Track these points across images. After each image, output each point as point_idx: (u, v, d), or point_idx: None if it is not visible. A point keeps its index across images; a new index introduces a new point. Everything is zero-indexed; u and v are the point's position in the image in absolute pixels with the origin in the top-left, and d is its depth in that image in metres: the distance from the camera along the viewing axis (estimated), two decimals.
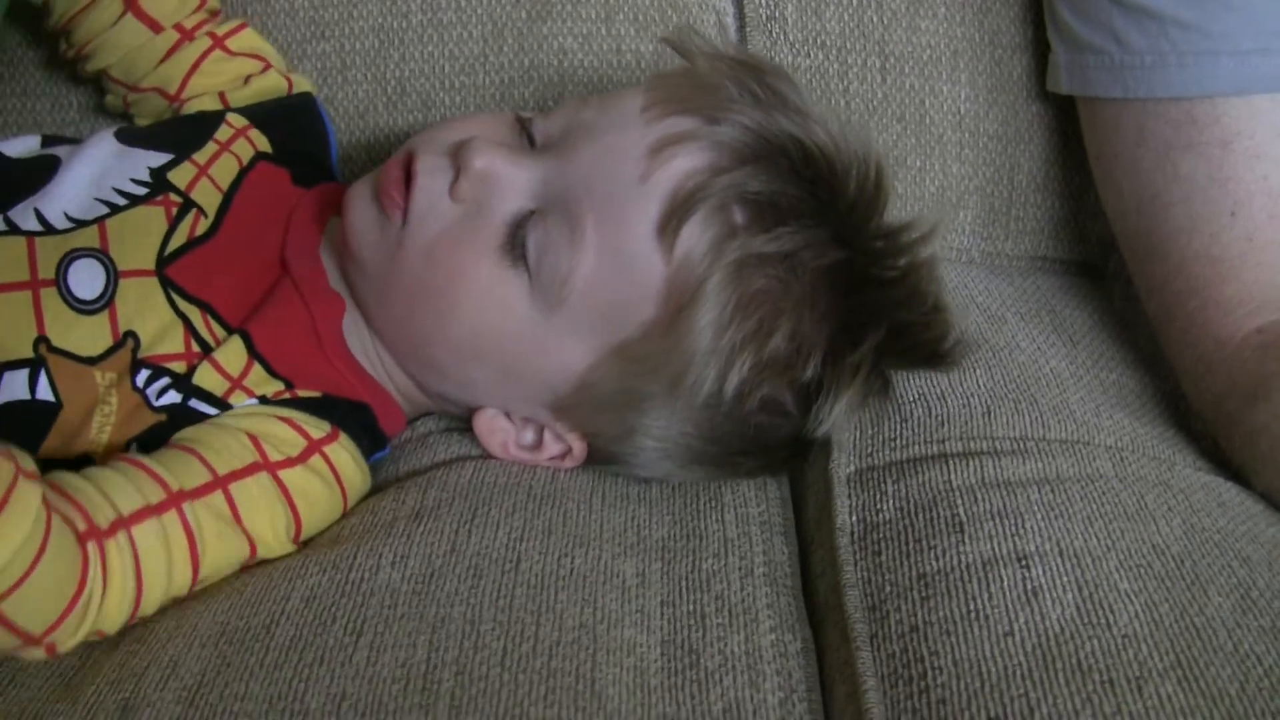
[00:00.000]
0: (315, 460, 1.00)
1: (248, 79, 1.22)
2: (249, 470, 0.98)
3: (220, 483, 0.96)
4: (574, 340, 1.00)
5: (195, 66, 1.20)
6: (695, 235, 0.96)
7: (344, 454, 1.02)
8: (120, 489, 0.93)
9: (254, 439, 0.99)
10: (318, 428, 1.02)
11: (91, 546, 0.89)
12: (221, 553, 0.96)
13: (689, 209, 0.96)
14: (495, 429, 1.06)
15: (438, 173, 1.02)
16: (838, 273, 0.99)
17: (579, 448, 1.05)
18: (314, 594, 0.91)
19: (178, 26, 1.19)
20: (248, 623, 0.90)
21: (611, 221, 0.98)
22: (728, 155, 0.97)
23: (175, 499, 0.94)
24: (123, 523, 0.91)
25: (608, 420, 1.03)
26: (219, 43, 1.21)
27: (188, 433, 1.00)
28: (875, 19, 1.34)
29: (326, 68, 1.31)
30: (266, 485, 0.98)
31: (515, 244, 0.99)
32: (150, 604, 0.92)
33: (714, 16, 1.33)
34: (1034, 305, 1.27)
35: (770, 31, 1.34)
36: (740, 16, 1.35)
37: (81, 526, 0.89)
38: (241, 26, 1.24)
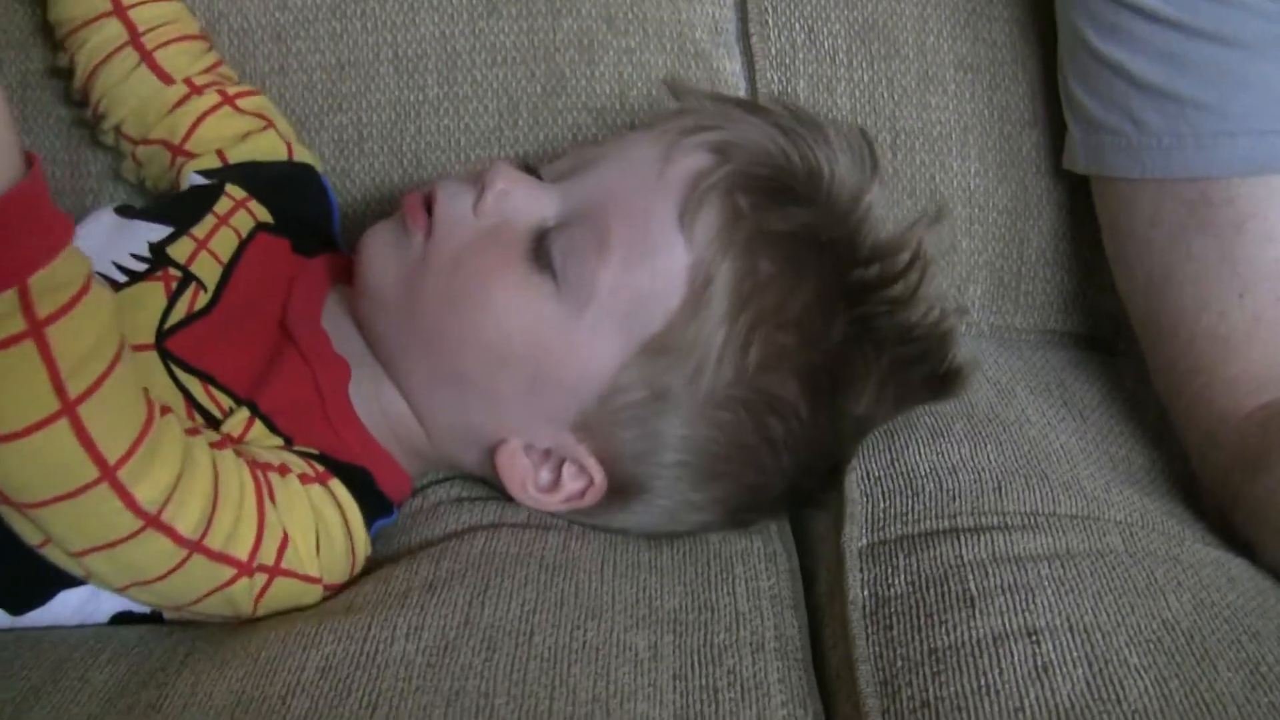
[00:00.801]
0: (326, 489, 1.01)
1: (246, 135, 1.24)
2: (280, 470, 0.98)
3: (258, 465, 0.97)
4: (603, 340, 1.01)
5: (202, 118, 1.23)
6: (710, 220, 1.00)
7: (345, 493, 1.02)
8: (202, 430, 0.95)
9: (277, 455, 1.00)
10: (319, 466, 1.02)
11: (166, 419, 0.89)
12: (270, 528, 0.95)
13: (703, 196, 1.00)
14: (515, 466, 1.06)
15: (460, 194, 1.05)
16: (845, 256, 1.04)
17: (599, 478, 1.05)
18: (329, 664, 0.91)
19: (188, 80, 1.23)
20: (263, 692, 0.89)
21: (636, 217, 1.01)
22: (734, 151, 1.02)
23: (239, 453, 0.96)
24: (201, 436, 0.93)
25: (632, 435, 1.04)
26: (228, 100, 1.24)
27: None
28: (886, 95, 1.35)
29: (343, 140, 1.33)
30: (297, 490, 0.98)
31: (540, 252, 1.01)
32: (220, 527, 0.92)
33: (725, 92, 1.34)
34: (1044, 379, 1.28)
35: None
36: (752, 92, 1.36)
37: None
38: (254, 92, 1.27)
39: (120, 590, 0.94)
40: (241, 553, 0.94)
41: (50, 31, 1.29)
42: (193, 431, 0.93)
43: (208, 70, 1.25)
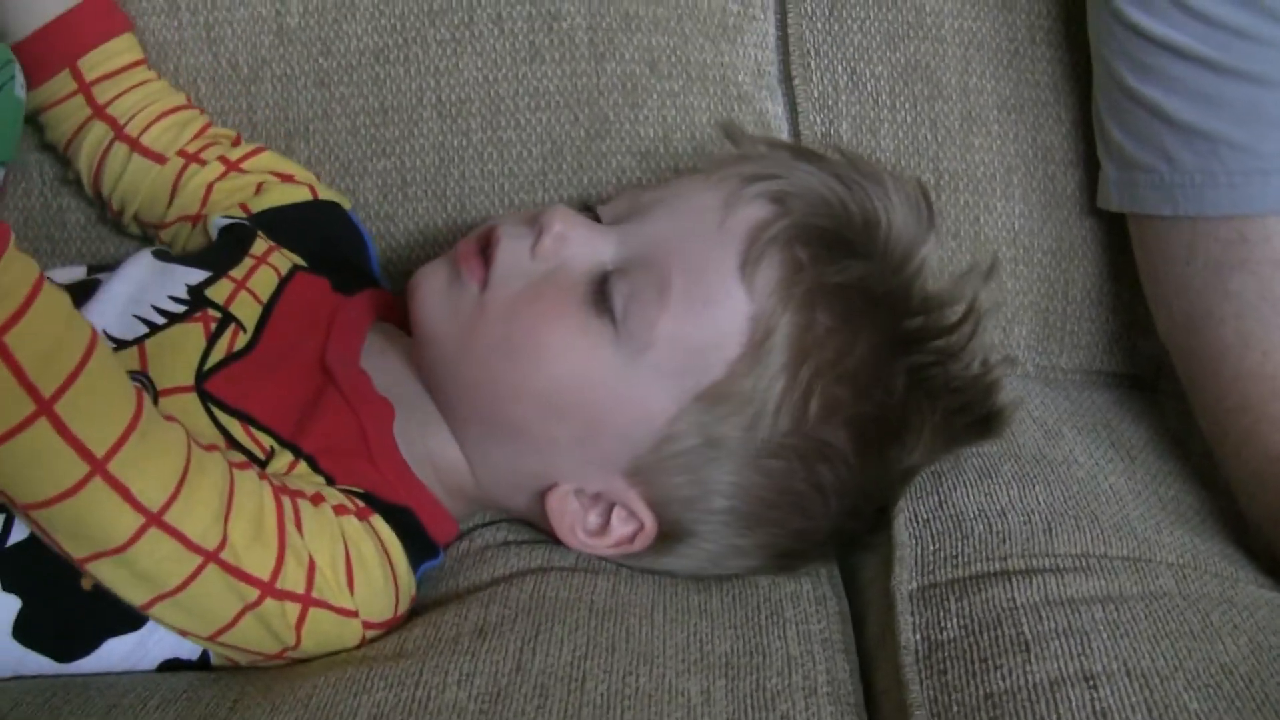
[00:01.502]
0: (366, 524, 1.01)
1: (260, 186, 1.24)
2: (313, 499, 0.98)
3: (288, 492, 0.97)
4: (659, 388, 1.01)
5: (209, 189, 1.23)
6: (770, 273, 1.00)
7: (387, 529, 1.02)
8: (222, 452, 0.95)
9: (314, 485, 1.00)
10: (361, 503, 1.02)
11: (182, 428, 0.91)
12: (293, 552, 0.95)
13: (764, 248, 1.00)
14: (565, 510, 1.06)
15: (519, 238, 1.05)
16: (900, 312, 1.04)
17: (650, 523, 1.05)
18: (381, 711, 0.91)
19: (180, 153, 1.24)
20: None
21: (696, 267, 1.01)
22: (792, 201, 1.02)
23: (263, 476, 0.97)
24: (220, 453, 0.94)
25: (682, 481, 1.04)
26: (232, 166, 1.25)
27: None
28: (929, 136, 1.35)
29: (387, 184, 1.33)
30: (329, 518, 0.98)
31: (600, 296, 1.01)
32: (236, 540, 0.91)
33: (770, 134, 1.34)
34: (1090, 420, 1.27)
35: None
36: (795, 134, 1.36)
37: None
38: (259, 150, 1.27)
39: (145, 607, 0.93)
40: (262, 573, 0.93)
41: None
42: (210, 447, 0.94)
43: (198, 136, 1.26)
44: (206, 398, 1.03)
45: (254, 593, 0.93)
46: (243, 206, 1.22)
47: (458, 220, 1.33)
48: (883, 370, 1.03)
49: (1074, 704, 0.89)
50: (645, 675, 0.95)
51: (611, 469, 1.05)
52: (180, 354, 1.05)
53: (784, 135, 1.36)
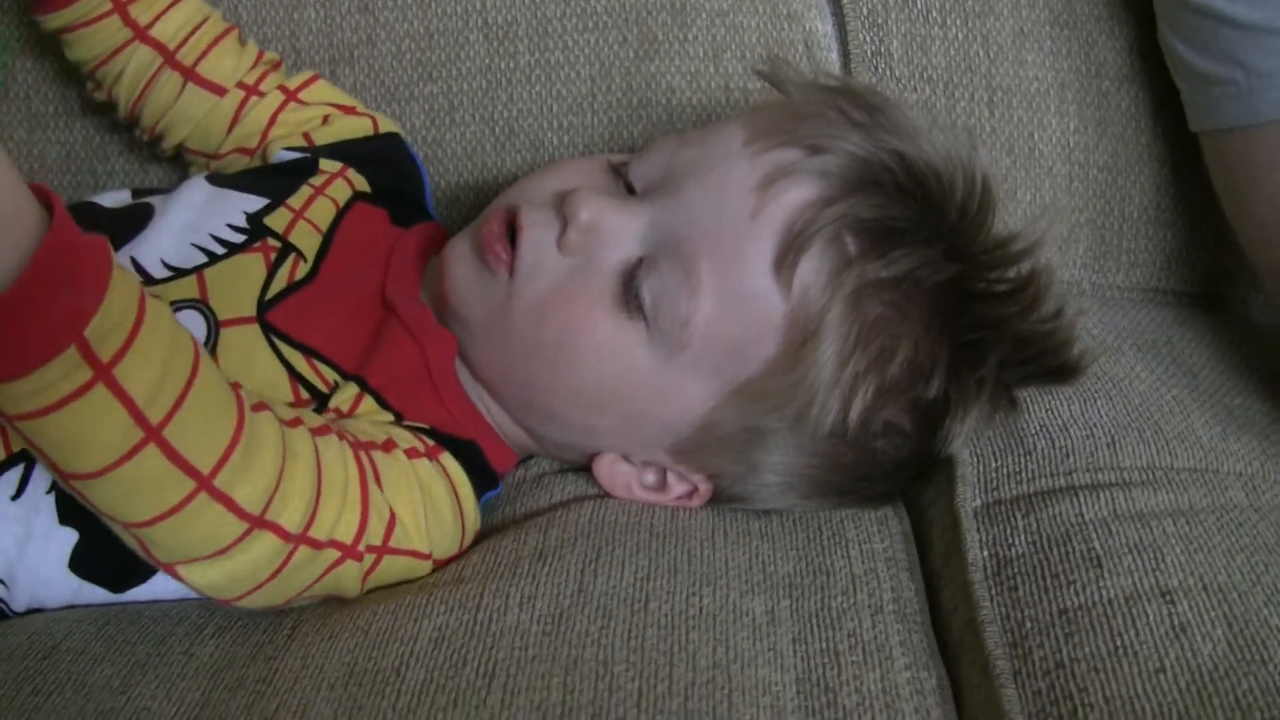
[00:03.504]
0: (436, 464, 0.99)
1: (326, 119, 1.22)
2: (384, 447, 0.97)
3: (362, 445, 0.95)
4: (695, 383, 0.99)
5: (272, 121, 1.20)
6: (812, 269, 0.96)
7: (455, 465, 1.01)
8: (298, 411, 0.94)
9: (383, 431, 0.99)
10: (430, 440, 1.01)
11: (259, 415, 0.87)
12: (374, 509, 0.93)
13: (804, 243, 0.95)
14: (616, 473, 1.05)
15: (544, 225, 1.02)
16: (953, 289, 0.99)
17: (705, 487, 1.04)
18: (442, 635, 0.90)
19: (240, 84, 1.20)
20: (376, 664, 0.89)
21: (727, 262, 0.97)
22: (836, 184, 0.96)
23: (341, 436, 0.94)
24: (304, 424, 0.91)
25: (729, 459, 1.02)
26: (291, 96, 1.22)
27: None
28: (981, 52, 1.33)
29: (434, 109, 1.31)
30: (404, 466, 0.97)
31: (629, 294, 0.98)
32: (325, 517, 0.90)
33: (819, 53, 1.32)
34: (1150, 337, 1.26)
35: (875, 67, 1.33)
36: (845, 53, 1.34)
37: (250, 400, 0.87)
38: (314, 79, 1.24)
39: (236, 600, 0.91)
40: (346, 537, 0.92)
41: None
42: (294, 422, 0.92)
43: (255, 65, 1.22)
44: (268, 329, 1.02)
45: (335, 555, 0.92)
46: (306, 137, 1.20)
47: (506, 145, 1.32)
48: (937, 351, 0.98)
49: (1151, 619, 0.88)
50: (709, 596, 0.94)
51: (655, 447, 1.04)
52: (241, 284, 1.04)
53: (833, 55, 1.34)
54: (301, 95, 1.22)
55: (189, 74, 1.19)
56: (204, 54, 1.19)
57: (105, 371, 0.77)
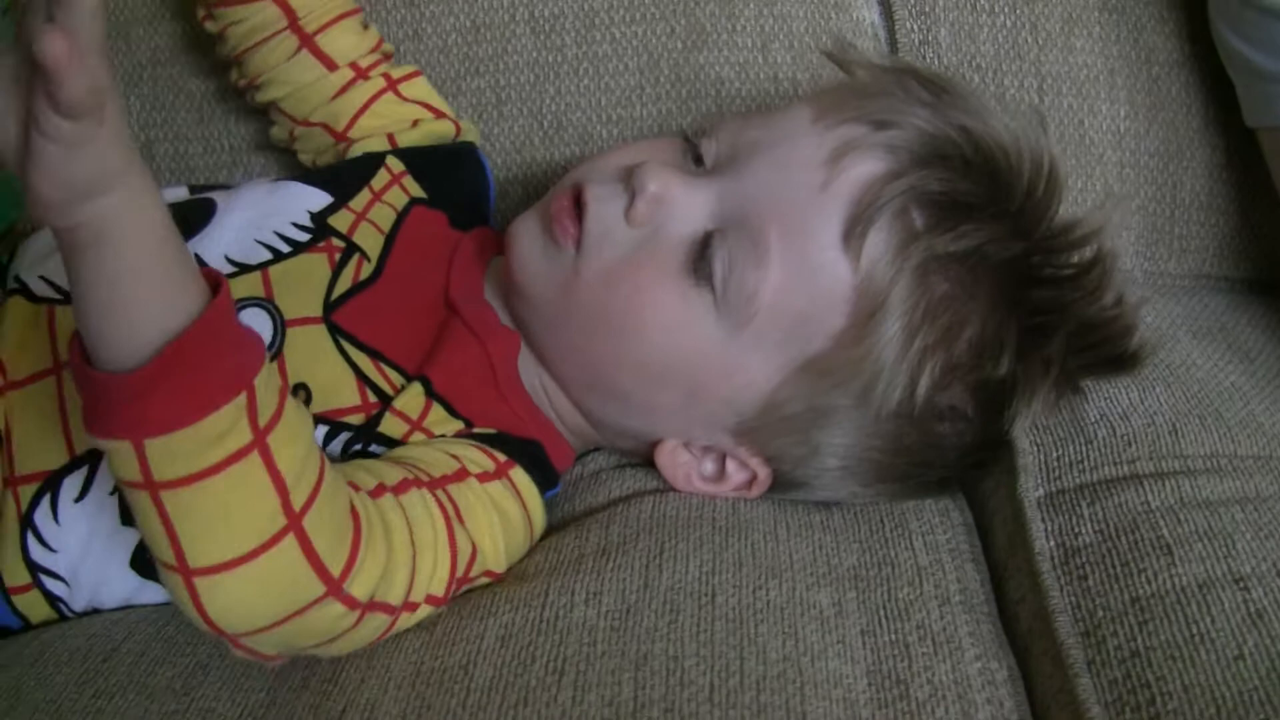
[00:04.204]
0: (506, 482, 0.99)
1: (416, 122, 1.22)
2: (458, 476, 0.96)
3: (438, 483, 0.95)
4: (761, 357, 0.99)
5: (366, 106, 1.20)
6: (880, 241, 0.95)
7: (524, 478, 1.00)
8: (365, 470, 0.92)
9: (454, 456, 0.98)
10: (499, 454, 1.00)
11: (360, 495, 0.87)
12: (462, 552, 0.93)
13: (872, 215, 0.95)
14: (678, 462, 1.05)
15: (611, 199, 1.01)
16: (1020, 268, 0.98)
17: (764, 473, 1.03)
18: (509, 632, 0.90)
19: (352, 65, 1.20)
20: (443, 662, 0.89)
21: (796, 233, 0.97)
22: (904, 158, 0.96)
23: (419, 482, 0.93)
24: (386, 489, 0.90)
25: (792, 441, 1.01)
26: (392, 85, 1.22)
27: (389, 451, 0.99)
28: (1030, 39, 1.32)
29: (482, 103, 1.31)
30: (479, 492, 0.96)
31: (699, 264, 0.98)
32: (421, 580, 0.90)
33: (868, 42, 1.32)
34: (1204, 323, 1.25)
35: (924, 55, 1.32)
36: (893, 41, 1.34)
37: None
38: (415, 74, 1.24)
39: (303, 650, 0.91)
40: (439, 590, 0.92)
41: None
42: (377, 491, 0.90)
43: (373, 50, 1.22)
44: (335, 330, 1.02)
45: (430, 609, 0.93)
46: (390, 138, 1.20)
47: (555, 138, 1.31)
48: (1004, 330, 0.98)
49: (1226, 605, 0.88)
50: (775, 589, 0.93)
51: (717, 428, 1.03)
52: (307, 284, 1.04)
53: (881, 44, 1.34)
54: (401, 88, 1.22)
55: (307, 41, 1.19)
56: (326, 26, 1.19)
57: (262, 438, 0.78)
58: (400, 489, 0.91)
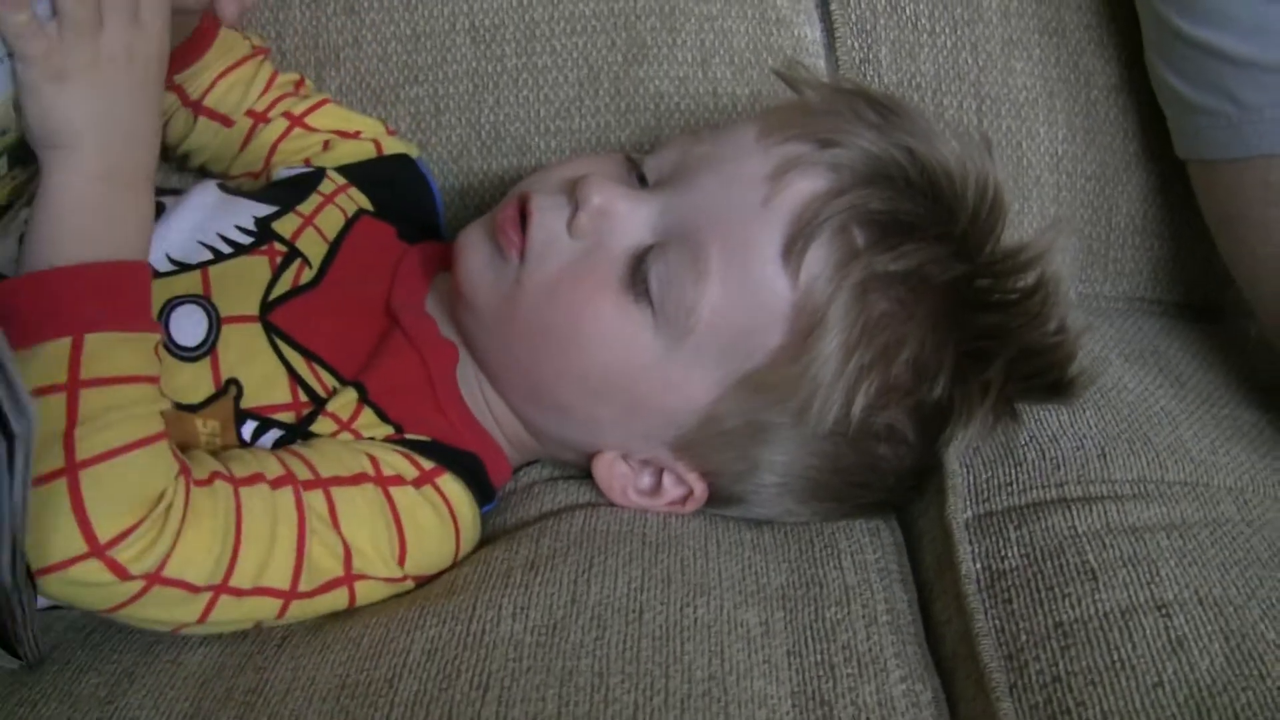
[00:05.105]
0: (427, 489, 0.99)
1: (326, 144, 1.21)
2: (355, 479, 0.97)
3: (321, 483, 0.95)
4: (700, 372, 0.99)
5: (274, 148, 1.21)
6: (820, 258, 0.95)
7: (455, 487, 1.00)
8: (240, 459, 0.94)
9: (370, 458, 0.98)
10: (427, 463, 1.00)
11: (180, 481, 0.88)
12: (322, 548, 0.94)
13: (812, 232, 0.95)
14: (615, 474, 1.05)
15: (554, 209, 1.02)
16: (961, 291, 0.99)
17: (700, 489, 1.04)
18: (435, 646, 0.90)
19: (249, 113, 1.21)
20: (369, 676, 0.88)
21: (737, 248, 0.97)
22: (846, 176, 0.96)
23: (291, 480, 0.94)
24: (228, 478, 0.91)
25: (730, 457, 1.02)
26: (297, 121, 1.22)
27: (303, 443, 1.00)
28: (970, 60, 1.33)
29: (420, 112, 1.30)
30: (372, 497, 0.96)
31: (637, 278, 0.98)
32: (246, 568, 0.90)
33: (809, 59, 1.32)
34: (1137, 346, 1.26)
35: (864, 74, 1.33)
36: (833, 59, 1.34)
37: (177, 466, 0.89)
38: (322, 103, 1.24)
39: (174, 630, 0.94)
40: (277, 582, 0.92)
41: None
42: (211, 477, 0.91)
43: (265, 91, 1.22)
44: (271, 329, 1.02)
45: (276, 604, 0.93)
46: (305, 161, 1.20)
47: (492, 148, 1.31)
48: (943, 351, 0.98)
49: (1148, 632, 0.88)
50: (703, 607, 0.93)
51: (656, 441, 1.03)
52: (245, 284, 1.04)
53: (821, 61, 1.34)
54: (308, 120, 1.22)
55: (197, 107, 1.20)
56: (210, 88, 1.20)
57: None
58: (248, 481, 0.92)
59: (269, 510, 0.92)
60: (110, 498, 0.84)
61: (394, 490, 0.97)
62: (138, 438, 0.86)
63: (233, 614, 0.91)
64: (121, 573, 0.85)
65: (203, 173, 1.24)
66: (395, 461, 0.99)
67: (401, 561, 0.97)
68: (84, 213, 0.88)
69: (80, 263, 0.87)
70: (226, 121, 1.20)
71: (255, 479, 0.93)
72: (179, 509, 0.87)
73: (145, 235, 0.92)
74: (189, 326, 1.00)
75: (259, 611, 0.93)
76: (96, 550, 0.84)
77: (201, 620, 0.91)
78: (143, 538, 0.85)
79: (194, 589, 0.88)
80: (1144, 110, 1.32)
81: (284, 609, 0.93)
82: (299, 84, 1.25)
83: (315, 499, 0.94)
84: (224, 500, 0.90)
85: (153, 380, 0.89)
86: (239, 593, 0.91)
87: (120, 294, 0.89)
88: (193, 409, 0.99)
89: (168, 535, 0.86)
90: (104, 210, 0.89)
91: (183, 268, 1.03)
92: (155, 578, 0.86)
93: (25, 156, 0.90)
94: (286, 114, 1.22)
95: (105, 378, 0.86)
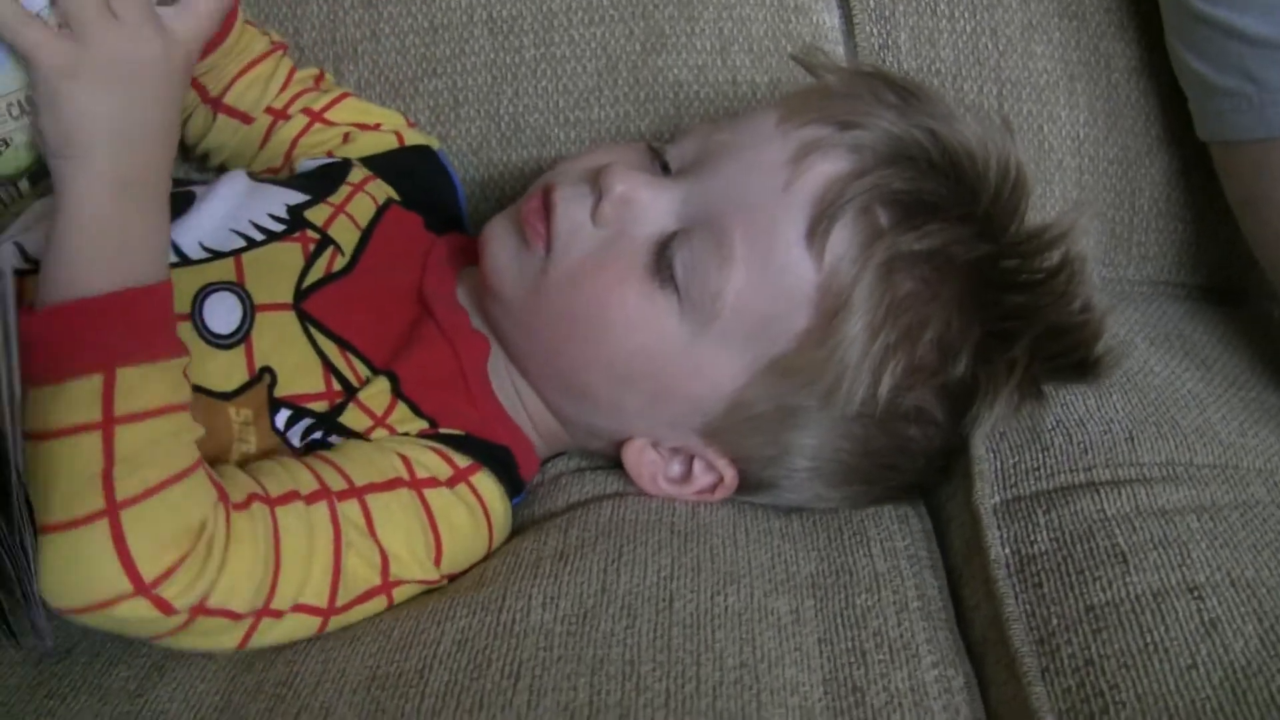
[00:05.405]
0: (461, 488, 0.99)
1: (346, 136, 1.22)
2: (389, 485, 0.96)
3: (356, 492, 0.95)
4: (727, 357, 0.99)
5: (294, 143, 1.21)
6: (843, 239, 0.95)
7: (489, 483, 1.01)
8: (273, 474, 0.94)
9: (404, 459, 0.98)
10: (462, 459, 1.00)
11: (219, 508, 0.88)
12: (358, 559, 0.93)
13: (835, 213, 0.95)
14: (644, 461, 1.05)
15: (578, 199, 1.02)
16: (986, 270, 0.98)
17: (730, 475, 1.04)
18: (465, 637, 0.90)
19: (269, 110, 1.21)
20: (399, 667, 0.88)
21: (760, 233, 0.97)
22: (868, 157, 0.96)
23: (326, 493, 0.93)
24: (264, 499, 0.91)
25: (760, 441, 1.02)
26: (316, 116, 1.22)
27: (335, 447, 0.99)
28: (990, 45, 1.33)
29: (439, 105, 1.30)
30: (407, 502, 0.96)
31: (662, 264, 0.98)
32: (286, 590, 0.90)
33: (828, 46, 1.32)
34: (1162, 330, 1.25)
35: (884, 60, 1.32)
36: (852, 45, 1.34)
37: (215, 494, 0.89)
38: (342, 97, 1.24)
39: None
40: (314, 599, 0.92)
41: None
42: (247, 501, 0.91)
43: (284, 88, 1.22)
44: (305, 317, 1.02)
45: (316, 621, 0.93)
46: (329, 154, 1.21)
47: (512, 140, 1.31)
48: (969, 330, 0.98)
49: (1180, 614, 0.88)
50: (734, 595, 0.93)
51: (685, 428, 1.03)
52: (279, 271, 1.04)
53: (840, 48, 1.33)
54: (328, 115, 1.23)
55: (217, 105, 1.20)
56: (229, 86, 1.20)
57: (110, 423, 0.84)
58: (283, 500, 0.92)
59: (305, 529, 0.92)
60: (153, 535, 0.84)
61: (428, 493, 0.97)
62: (176, 471, 0.86)
63: (272, 636, 0.92)
64: (167, 609, 0.85)
65: (223, 171, 1.23)
66: (429, 461, 0.99)
67: (438, 563, 0.98)
68: (102, 234, 0.88)
69: (103, 294, 0.86)
70: (246, 119, 1.21)
71: (290, 497, 0.92)
72: (221, 539, 0.87)
73: (163, 248, 0.92)
74: (223, 313, 1.00)
75: (298, 631, 0.93)
76: (142, 589, 0.84)
77: (241, 646, 0.91)
78: (187, 572, 0.85)
79: (236, 616, 0.89)
80: (1165, 93, 1.31)
81: (323, 625, 0.93)
82: (318, 79, 1.25)
83: (350, 509, 0.94)
84: (262, 524, 0.90)
85: (184, 408, 0.89)
86: (278, 614, 0.91)
87: (146, 323, 0.89)
88: (226, 397, 0.98)
89: (211, 568, 0.86)
90: (121, 229, 0.89)
91: (216, 255, 1.03)
92: (200, 609, 0.86)
93: (45, 174, 0.91)
94: (306, 110, 1.22)
95: (139, 412, 0.85)
